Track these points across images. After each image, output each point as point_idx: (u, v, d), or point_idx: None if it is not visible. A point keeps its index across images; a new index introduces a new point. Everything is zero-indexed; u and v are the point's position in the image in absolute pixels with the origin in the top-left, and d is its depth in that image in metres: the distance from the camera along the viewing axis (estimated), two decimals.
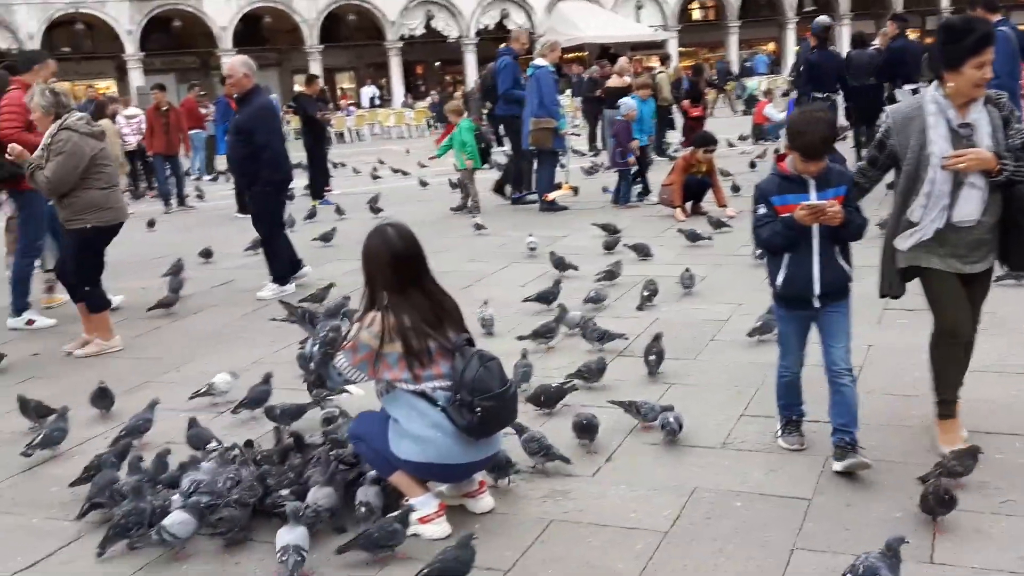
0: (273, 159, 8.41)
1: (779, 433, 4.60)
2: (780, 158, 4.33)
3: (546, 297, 7.28)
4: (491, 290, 8.08)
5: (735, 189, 12.14)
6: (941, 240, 4.20)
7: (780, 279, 4.30)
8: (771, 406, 5.05)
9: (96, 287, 7.12)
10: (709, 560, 3.59)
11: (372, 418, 4.17)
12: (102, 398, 5.60)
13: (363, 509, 3.92)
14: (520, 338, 6.33)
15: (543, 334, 6.38)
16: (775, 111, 20.75)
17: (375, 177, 17.79)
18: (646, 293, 7.31)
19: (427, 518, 3.94)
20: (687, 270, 7.69)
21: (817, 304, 4.24)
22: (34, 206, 7.86)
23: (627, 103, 12.59)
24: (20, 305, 7.99)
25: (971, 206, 4.14)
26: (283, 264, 8.76)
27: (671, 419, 4.66)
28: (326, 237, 10.87)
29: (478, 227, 11.23)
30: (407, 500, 4.01)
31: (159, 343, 7.37)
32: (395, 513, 3.82)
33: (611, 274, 8.07)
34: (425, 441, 3.89)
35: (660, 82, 17.24)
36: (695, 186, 11.33)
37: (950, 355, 4.36)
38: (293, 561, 3.50)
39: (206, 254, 10.55)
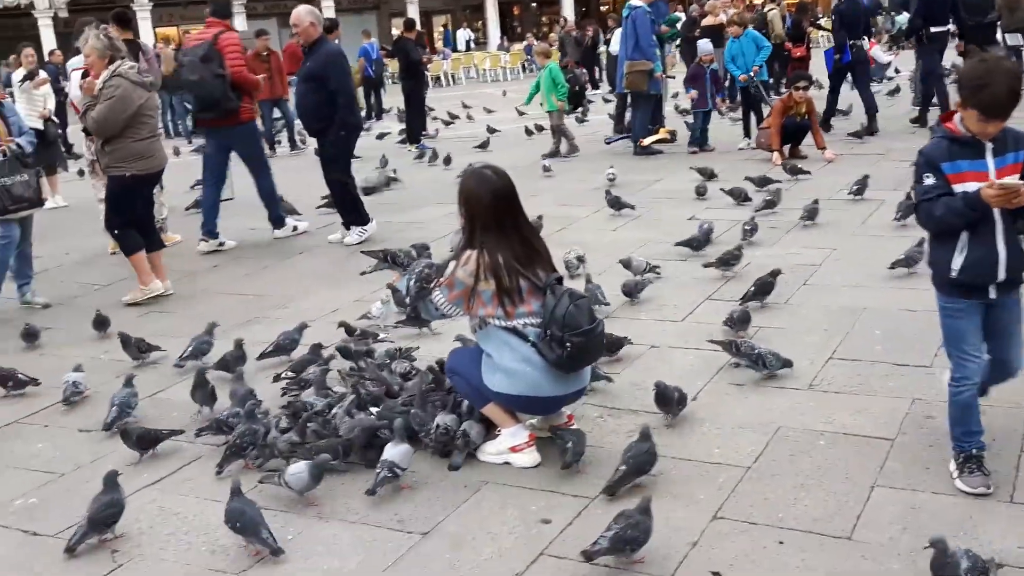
0: (349, 103, 8.48)
1: (955, 473, 3.69)
2: (946, 117, 3.71)
3: (691, 243, 7.26)
4: (582, 234, 8.19)
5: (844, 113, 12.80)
6: None
7: (958, 263, 3.56)
8: (859, 350, 5.13)
9: (124, 229, 7.28)
10: (790, 494, 3.71)
11: (466, 353, 4.39)
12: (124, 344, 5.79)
13: (459, 441, 4.16)
14: (706, 265, 6.71)
15: (727, 261, 6.64)
16: (881, 52, 20.10)
17: (447, 123, 17.95)
18: (747, 228, 7.56)
19: (518, 448, 4.15)
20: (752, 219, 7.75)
21: (993, 294, 3.60)
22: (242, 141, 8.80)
23: (703, 47, 12.57)
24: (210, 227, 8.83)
25: None
26: (359, 206, 8.80)
27: (771, 356, 4.78)
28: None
29: (545, 170, 11.34)
30: (499, 430, 4.23)
31: (265, 281, 7.73)
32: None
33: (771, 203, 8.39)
34: (516, 374, 4.08)
35: (772, 19, 16.81)
36: (794, 129, 11.16)
37: None
38: (382, 476, 3.82)
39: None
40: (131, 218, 7.29)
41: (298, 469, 3.85)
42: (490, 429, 4.30)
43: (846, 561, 3.26)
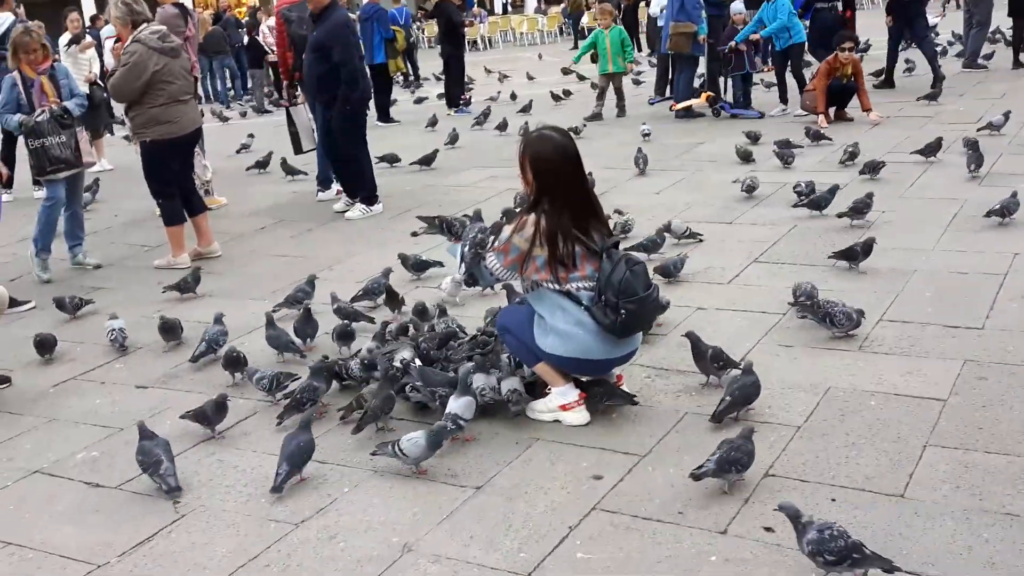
0: (352, 76, 8.13)
1: None
2: None
3: (818, 203, 7.13)
4: (625, 197, 8.18)
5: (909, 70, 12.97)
6: None
7: None
8: (910, 311, 5.12)
9: (168, 200, 7.28)
10: (841, 452, 3.72)
11: (518, 312, 4.39)
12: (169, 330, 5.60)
13: (514, 396, 4.20)
14: (839, 215, 6.84)
15: (859, 210, 6.77)
16: (929, 14, 19.66)
17: (503, 76, 17.95)
18: (799, 188, 7.51)
19: (568, 406, 4.19)
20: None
21: None
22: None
23: (735, 7, 12.46)
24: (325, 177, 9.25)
25: None
26: (369, 182, 8.59)
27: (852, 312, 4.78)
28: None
29: (576, 131, 11.30)
30: (549, 388, 4.27)
31: (311, 243, 7.80)
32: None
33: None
34: (569, 337, 4.10)
35: None
36: (839, 90, 11.00)
37: None
38: (449, 429, 3.88)
39: (427, 161, 10.49)
40: (169, 184, 7.29)
41: (415, 436, 3.79)
42: (537, 388, 4.35)
43: (899, 519, 3.27)
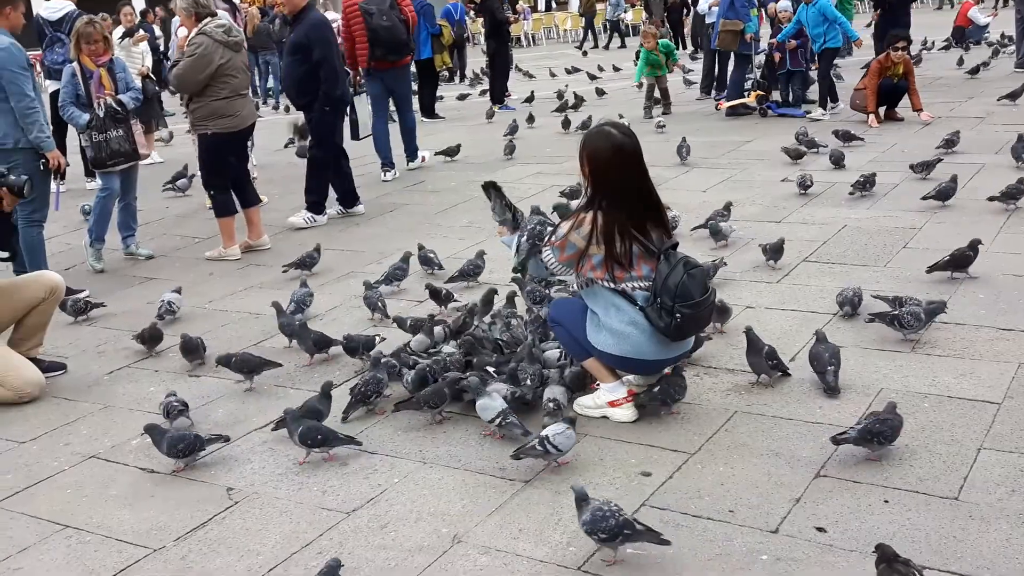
0: (332, 74, 8.01)
1: None
2: None
3: (945, 194, 7.06)
4: (672, 194, 8.14)
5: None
6: None
7: None
8: (963, 314, 5.05)
9: (221, 192, 7.37)
10: (895, 454, 3.68)
11: (570, 305, 4.37)
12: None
13: (551, 405, 4.15)
14: (990, 199, 6.90)
15: (1013, 196, 6.82)
16: (980, 14, 19.42)
17: (570, 71, 17.93)
18: (861, 178, 7.58)
19: (616, 403, 4.19)
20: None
21: None
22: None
23: (782, 5, 12.37)
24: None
25: None
26: (324, 189, 8.39)
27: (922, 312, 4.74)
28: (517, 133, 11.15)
29: (659, 127, 11.28)
30: (598, 384, 4.28)
31: (359, 236, 7.86)
32: None
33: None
34: (622, 336, 4.08)
35: None
36: (890, 90, 10.87)
37: None
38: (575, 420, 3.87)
39: (450, 152, 10.69)
40: (224, 177, 7.38)
41: (561, 428, 3.71)
42: (583, 387, 4.37)
43: (953, 522, 3.23)
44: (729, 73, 12.77)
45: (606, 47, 27.87)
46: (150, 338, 5.43)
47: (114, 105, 7.09)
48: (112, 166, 7.14)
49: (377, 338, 5.05)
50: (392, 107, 10.47)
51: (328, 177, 8.43)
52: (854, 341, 4.80)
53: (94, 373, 5.25)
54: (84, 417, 4.68)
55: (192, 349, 5.17)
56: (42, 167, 6.12)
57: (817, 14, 11.51)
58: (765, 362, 4.37)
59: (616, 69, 19.41)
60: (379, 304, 5.61)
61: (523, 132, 12.07)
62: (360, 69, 9.60)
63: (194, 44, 7.04)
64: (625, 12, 28.81)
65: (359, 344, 4.94)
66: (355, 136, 9.45)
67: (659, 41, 13.16)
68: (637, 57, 14.19)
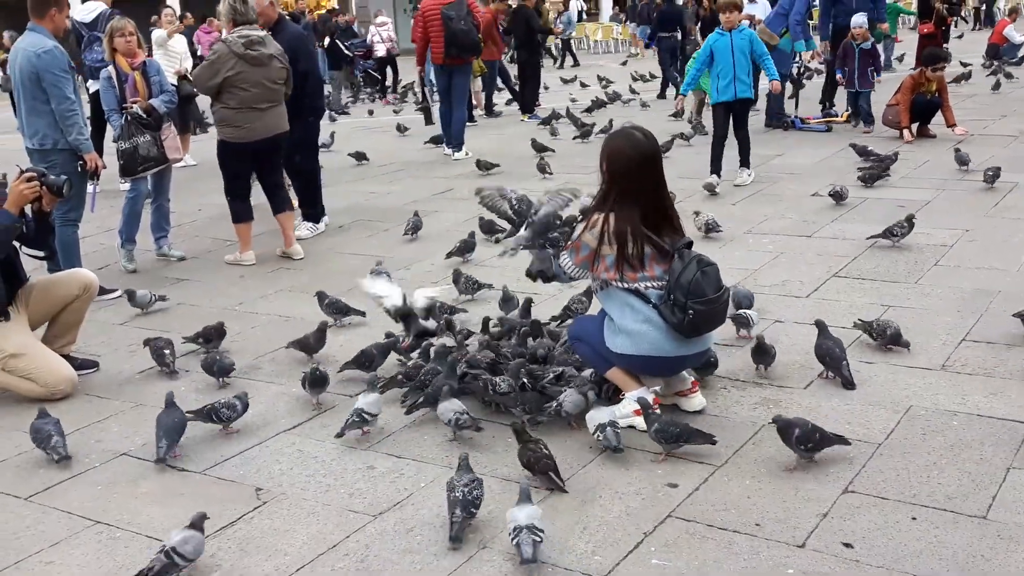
0: (317, 86, 8.23)
1: None
2: None
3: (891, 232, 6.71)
4: (703, 205, 8.14)
5: None
6: None
7: None
8: (994, 332, 5.02)
9: (235, 199, 7.41)
10: (922, 472, 3.67)
11: (589, 321, 4.45)
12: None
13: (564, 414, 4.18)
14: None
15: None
16: (1016, 32, 19.27)
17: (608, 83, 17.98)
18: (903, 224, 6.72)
19: (641, 412, 4.19)
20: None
21: None
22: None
23: (857, 20, 12.12)
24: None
25: None
26: (320, 199, 8.48)
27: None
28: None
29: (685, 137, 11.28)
30: (623, 394, 4.28)
31: (388, 243, 7.91)
32: None
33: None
34: (638, 335, 4.10)
35: None
36: (924, 106, 10.80)
37: None
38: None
39: (485, 166, 10.54)
40: (235, 184, 7.39)
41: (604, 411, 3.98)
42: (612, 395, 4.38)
43: (981, 540, 3.21)
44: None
45: (560, 66, 27.45)
46: (216, 335, 5.43)
47: (140, 113, 7.14)
48: (142, 172, 7.24)
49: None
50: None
51: (319, 183, 8.55)
52: (884, 358, 4.78)
53: (126, 372, 5.32)
54: (115, 415, 4.74)
55: (320, 382, 4.67)
56: (80, 168, 6.22)
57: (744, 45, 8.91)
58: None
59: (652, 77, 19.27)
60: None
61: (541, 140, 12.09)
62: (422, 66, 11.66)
63: (212, 50, 7.20)
64: (573, 31, 29.23)
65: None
66: (428, 122, 12.24)
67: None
68: (683, 60, 13.90)
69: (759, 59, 9.00)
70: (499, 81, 16.18)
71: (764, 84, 10.72)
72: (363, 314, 5.76)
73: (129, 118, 7.12)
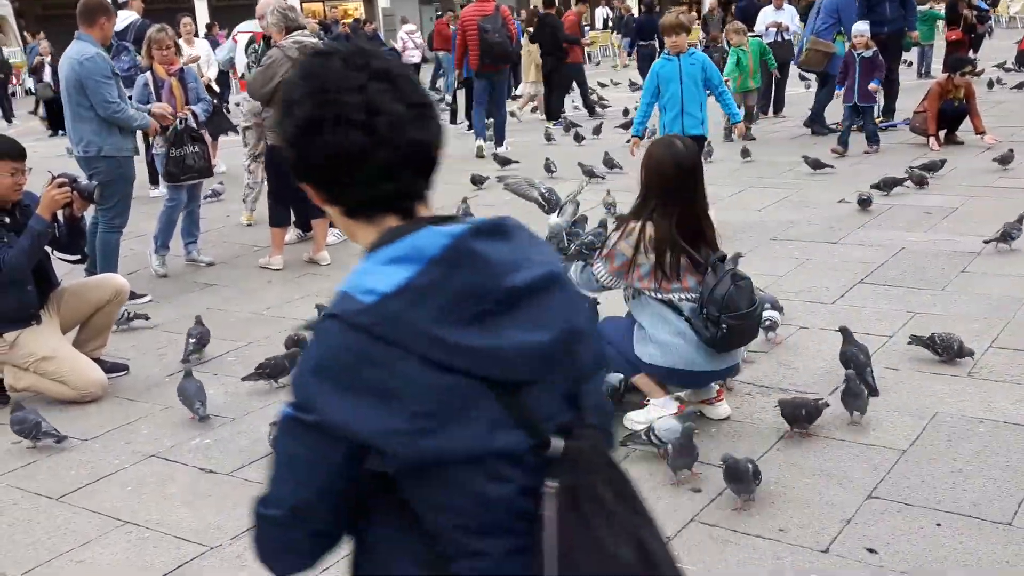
0: None
1: None
2: None
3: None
4: (726, 213, 8.11)
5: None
6: None
7: None
8: (1021, 339, 4.97)
9: (279, 203, 7.49)
10: (948, 478, 3.66)
11: (618, 323, 4.43)
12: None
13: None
14: None
15: None
16: None
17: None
18: None
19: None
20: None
21: None
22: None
23: (858, 28, 11.98)
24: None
25: None
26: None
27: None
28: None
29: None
30: (648, 400, 4.29)
31: None
32: None
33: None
34: (669, 347, 4.11)
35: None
36: (951, 113, 10.72)
37: None
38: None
39: (503, 161, 10.95)
40: (282, 188, 7.36)
41: (670, 424, 3.85)
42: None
43: (1007, 547, 3.20)
44: (815, 93, 12.56)
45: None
46: (277, 372, 5.01)
47: (192, 123, 7.23)
48: (184, 181, 7.33)
49: None
50: None
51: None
52: (910, 364, 4.77)
53: (155, 375, 5.39)
54: (144, 417, 4.81)
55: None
56: (124, 176, 6.35)
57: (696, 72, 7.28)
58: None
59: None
60: None
61: (554, 149, 12.11)
62: (460, 70, 12.54)
63: (267, 56, 7.23)
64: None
65: None
66: (453, 120, 13.24)
67: (749, 39, 12.42)
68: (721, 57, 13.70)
69: (714, 90, 7.38)
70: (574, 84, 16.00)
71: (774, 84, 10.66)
72: None
73: (183, 126, 7.21)
